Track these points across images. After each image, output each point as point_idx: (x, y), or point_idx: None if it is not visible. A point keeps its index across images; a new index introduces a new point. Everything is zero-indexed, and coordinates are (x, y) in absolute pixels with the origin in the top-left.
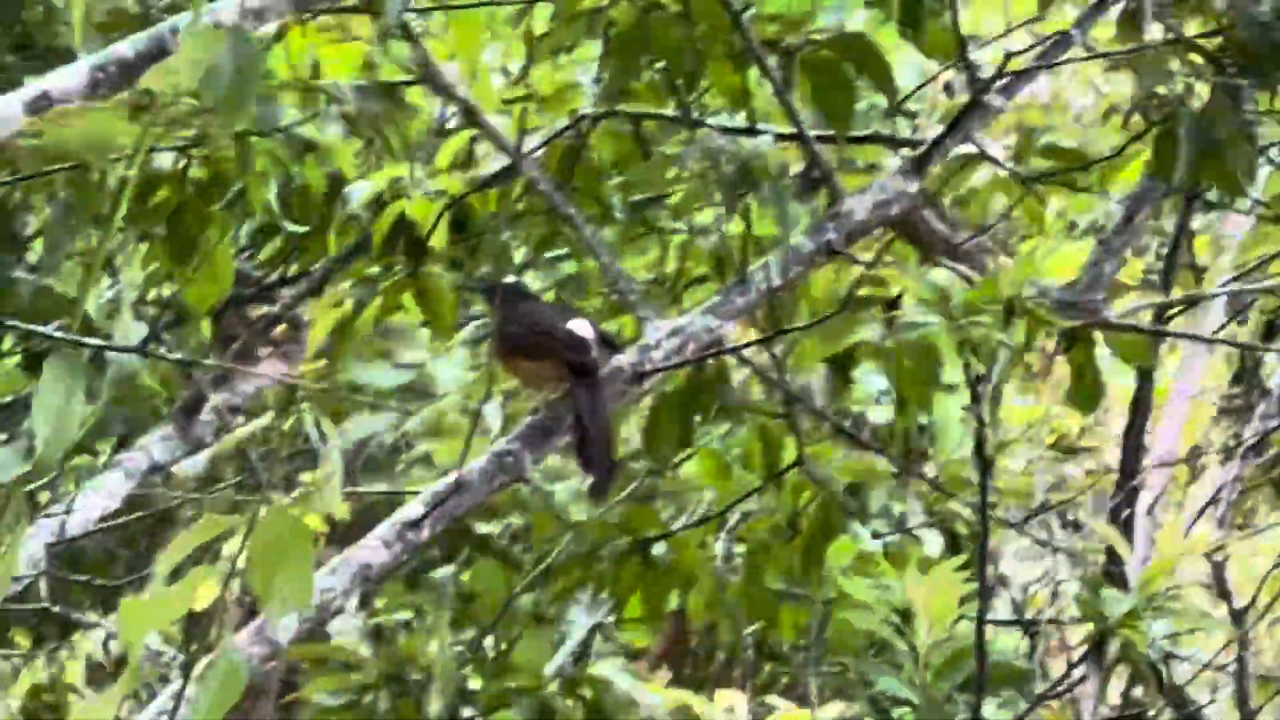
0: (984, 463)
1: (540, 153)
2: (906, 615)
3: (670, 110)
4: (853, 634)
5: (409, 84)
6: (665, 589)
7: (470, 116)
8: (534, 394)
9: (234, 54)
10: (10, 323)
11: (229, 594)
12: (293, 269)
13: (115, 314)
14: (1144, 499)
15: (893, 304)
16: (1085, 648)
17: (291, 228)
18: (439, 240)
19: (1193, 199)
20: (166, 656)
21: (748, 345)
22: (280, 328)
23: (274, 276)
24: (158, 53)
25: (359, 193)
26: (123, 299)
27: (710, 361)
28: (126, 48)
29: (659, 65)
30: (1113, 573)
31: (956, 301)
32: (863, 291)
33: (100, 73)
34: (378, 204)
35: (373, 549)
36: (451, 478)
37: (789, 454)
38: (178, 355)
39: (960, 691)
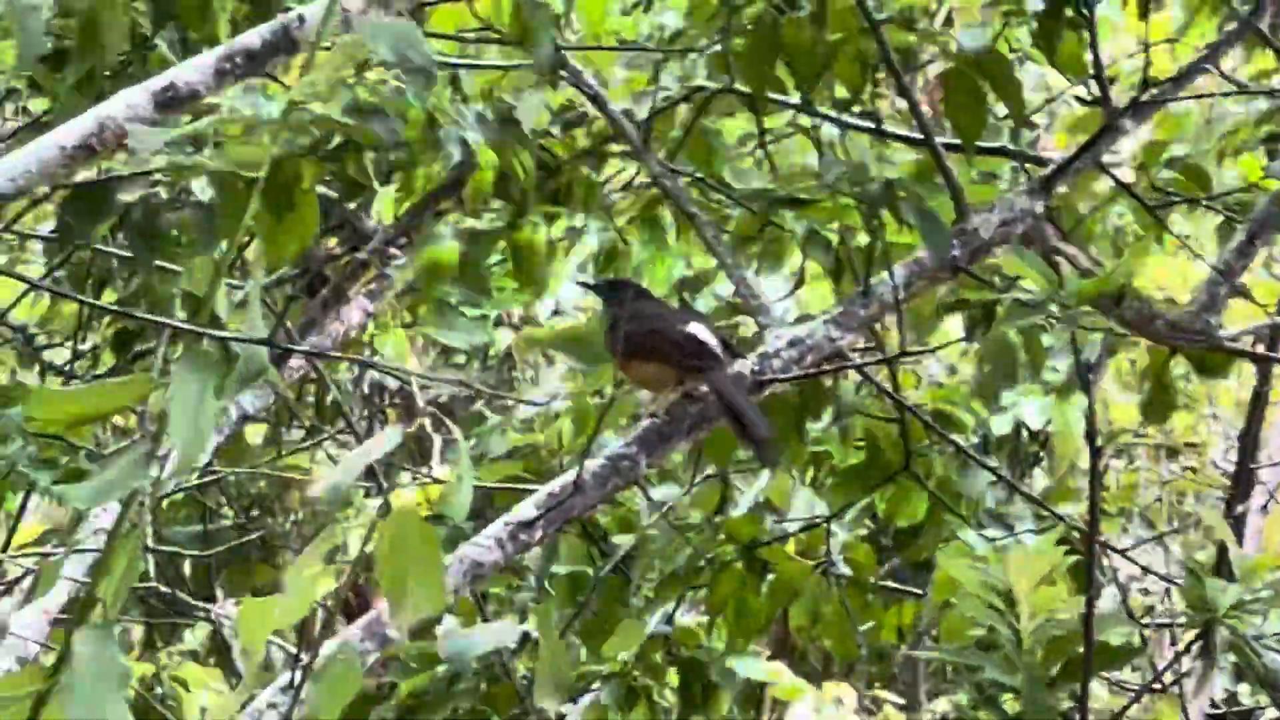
0: (1094, 450)
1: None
2: (1010, 601)
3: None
4: (961, 625)
5: (527, 67)
6: (774, 602)
7: (596, 103)
8: (651, 397)
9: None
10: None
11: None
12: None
13: (243, 308)
14: (1257, 496)
15: (989, 313)
16: (1190, 639)
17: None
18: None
19: None
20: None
21: (870, 363)
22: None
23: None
24: (284, 43)
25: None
26: (251, 293)
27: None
28: (253, 38)
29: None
30: (1222, 567)
31: (1070, 290)
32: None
33: (227, 63)
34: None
35: (485, 548)
36: (568, 478)
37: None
38: (304, 348)
39: (1063, 677)
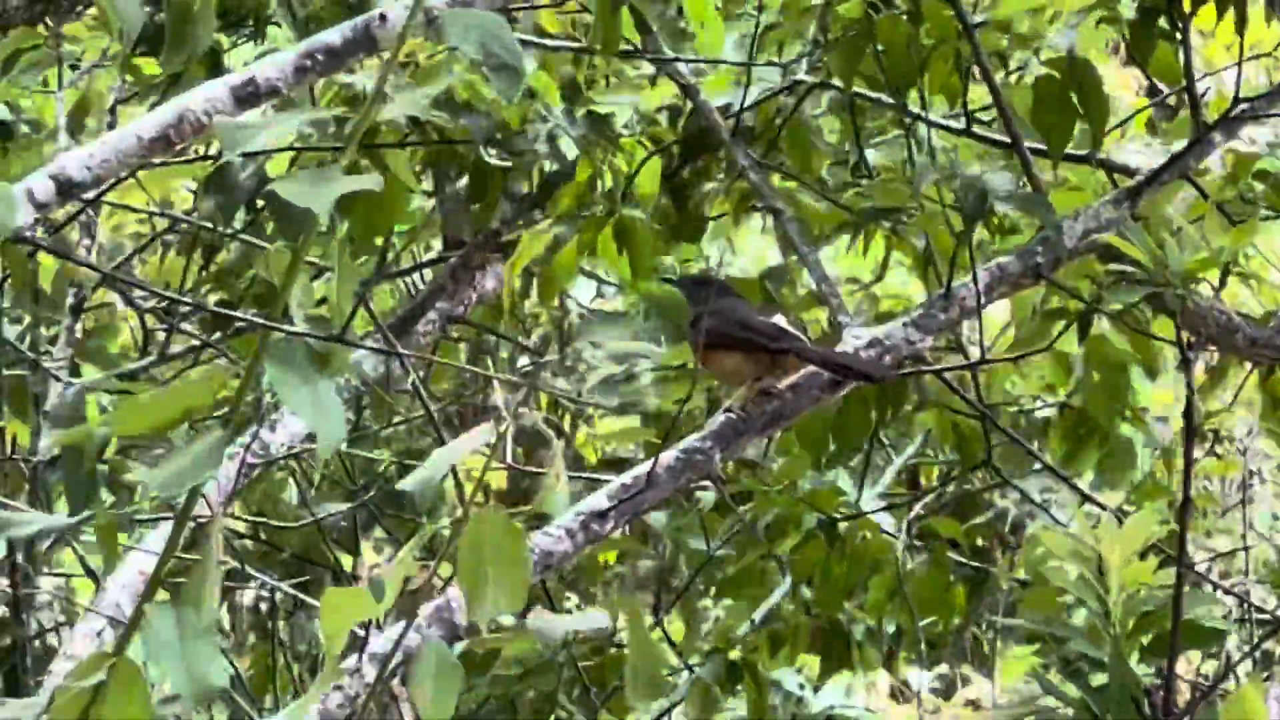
0: (1190, 429)
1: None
2: (1101, 573)
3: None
4: (1047, 598)
5: (630, 55)
6: (852, 572)
7: (687, 93)
8: (731, 391)
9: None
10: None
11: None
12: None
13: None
14: None
15: (1086, 320)
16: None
17: (496, 162)
18: (647, 184)
19: None
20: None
21: (950, 369)
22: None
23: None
24: (364, 40)
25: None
26: (334, 288)
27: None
28: (334, 35)
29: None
30: None
31: (1175, 269)
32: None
33: (307, 60)
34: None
35: (555, 538)
36: (641, 470)
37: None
38: (380, 346)
39: (1151, 652)
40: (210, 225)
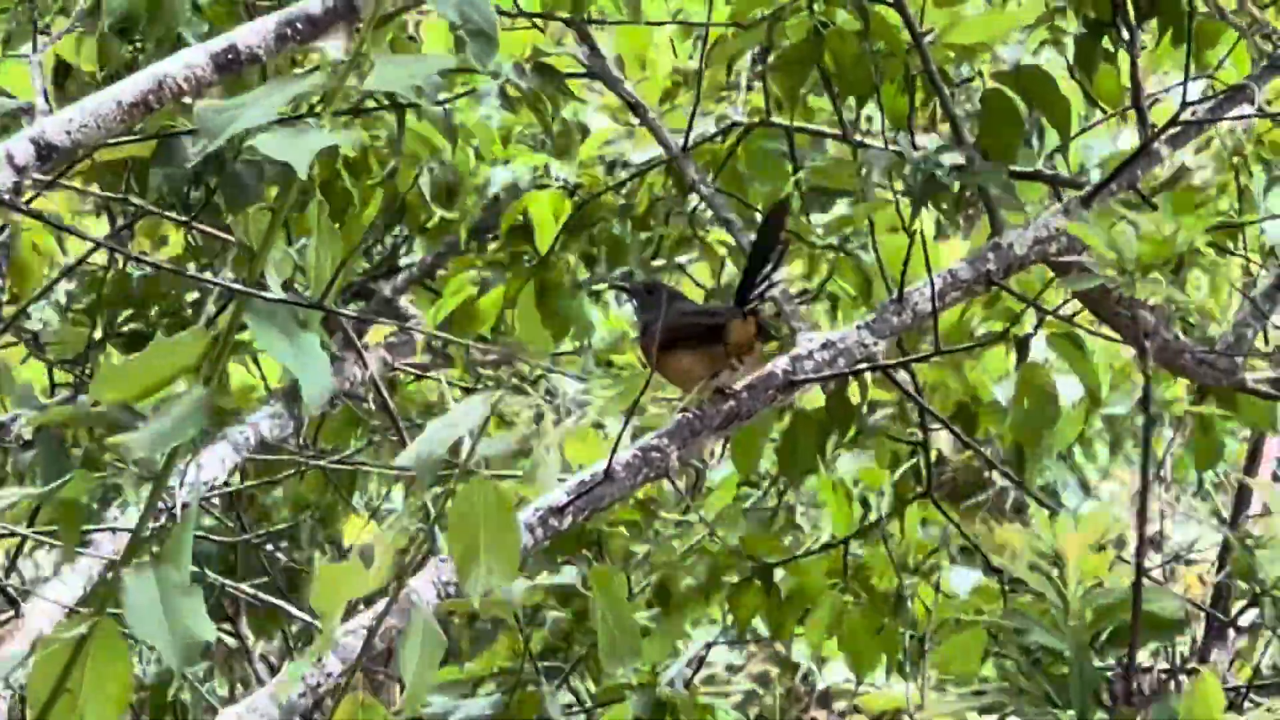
0: (1148, 417)
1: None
2: (1059, 566)
3: (824, 127)
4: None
5: (575, 76)
6: (787, 615)
7: (635, 111)
8: (684, 393)
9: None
10: (194, 275)
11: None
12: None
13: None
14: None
15: (1022, 344)
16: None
17: (441, 213)
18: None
19: None
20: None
21: (900, 363)
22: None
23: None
24: (345, 9)
25: (500, 178)
26: (312, 257)
27: (855, 381)
28: (314, 4)
29: (829, 81)
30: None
31: (1129, 256)
32: (996, 326)
33: (287, 28)
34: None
35: None
36: (599, 467)
37: None
38: (350, 311)
39: (1110, 644)
40: (155, 210)
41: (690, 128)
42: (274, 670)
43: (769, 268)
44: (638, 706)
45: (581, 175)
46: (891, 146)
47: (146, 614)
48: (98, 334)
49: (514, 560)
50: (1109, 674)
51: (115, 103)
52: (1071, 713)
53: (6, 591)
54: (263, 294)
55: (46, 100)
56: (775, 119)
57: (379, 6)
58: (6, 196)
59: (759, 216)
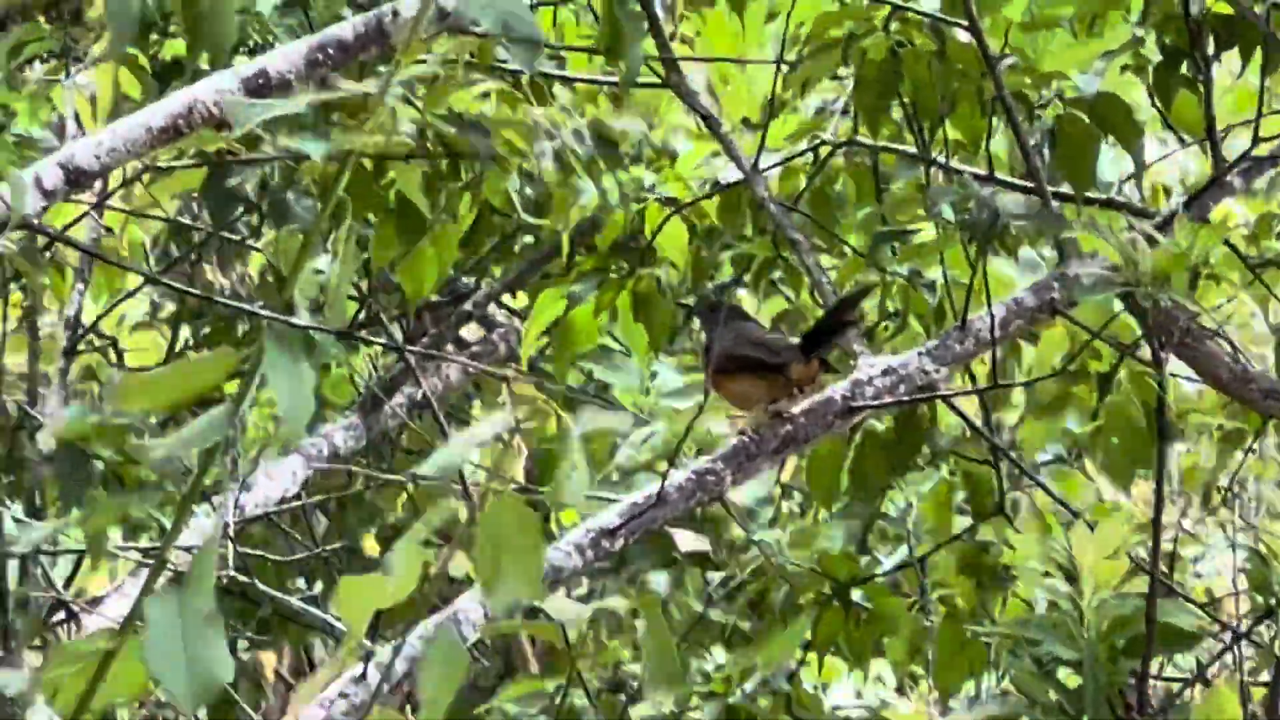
0: (1162, 431)
1: (774, 174)
2: (1074, 576)
3: (909, 148)
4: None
5: (652, 86)
6: (868, 636)
7: (709, 125)
8: (744, 415)
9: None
10: (223, 300)
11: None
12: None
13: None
14: None
15: (1106, 381)
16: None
17: (527, 219)
18: (668, 249)
19: None
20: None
21: (962, 394)
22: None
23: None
24: (376, 35)
25: (590, 190)
26: (333, 281)
27: (922, 406)
28: (346, 29)
29: (905, 103)
30: None
31: (1145, 267)
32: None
33: (320, 53)
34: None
35: (565, 553)
36: (652, 489)
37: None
38: (382, 339)
39: (1125, 655)
40: (209, 229)
41: (762, 145)
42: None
43: (837, 333)
44: (709, 715)
45: (678, 191)
46: (958, 178)
47: (165, 646)
48: (178, 345)
49: (538, 580)
50: (1123, 685)
51: (145, 128)
52: None
53: (67, 605)
54: (283, 318)
55: (78, 124)
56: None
57: (412, 32)
58: (36, 221)
59: (841, 242)
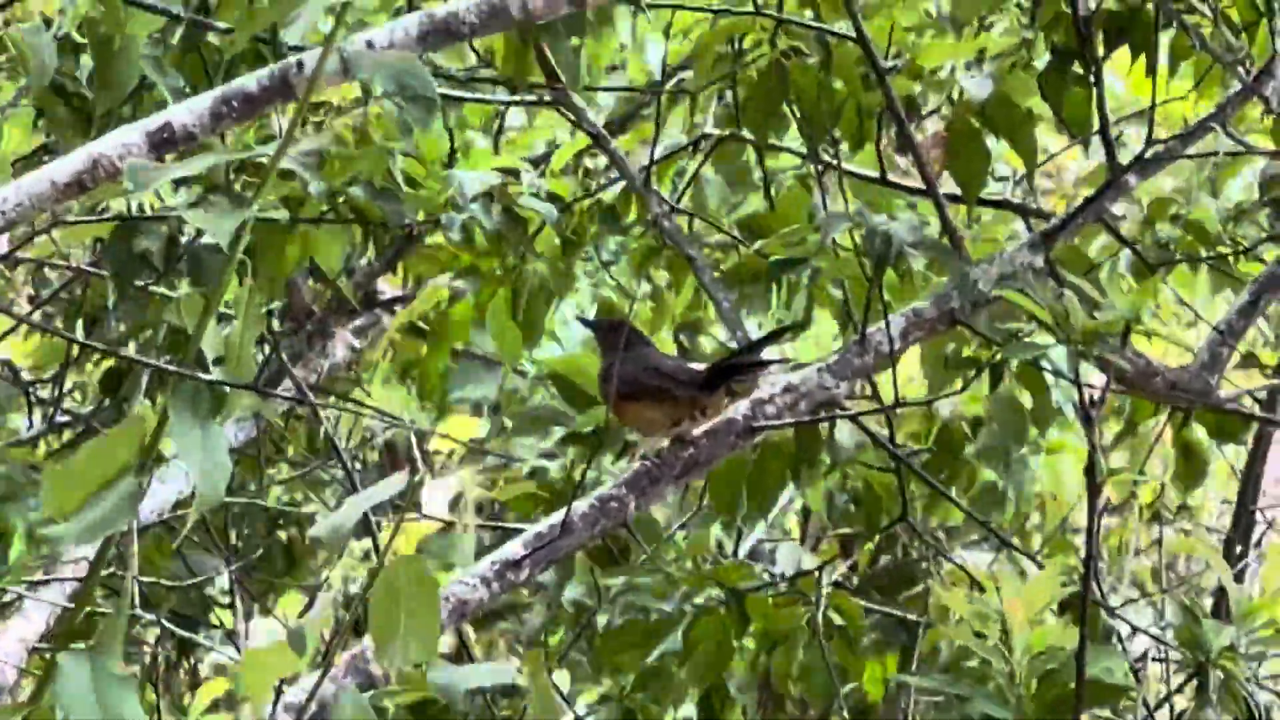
0: (1093, 487)
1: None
2: (1005, 633)
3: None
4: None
5: (539, 104)
6: (758, 647)
7: (598, 142)
8: (645, 440)
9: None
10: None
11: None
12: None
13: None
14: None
15: (996, 371)
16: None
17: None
18: (544, 243)
19: None
20: None
21: (865, 413)
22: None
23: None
24: (281, 88)
25: (472, 181)
26: (237, 333)
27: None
28: (251, 82)
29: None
30: (1221, 607)
31: (1077, 326)
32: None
33: (223, 106)
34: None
35: (470, 586)
36: (556, 519)
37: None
38: (288, 395)
39: (1055, 712)
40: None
41: (652, 160)
42: None
43: (748, 370)
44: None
45: (553, 185)
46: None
47: (79, 705)
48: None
49: (434, 641)
50: None
51: (50, 182)
52: None
53: None
54: (195, 375)
55: None
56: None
57: (313, 86)
58: None
59: (726, 234)
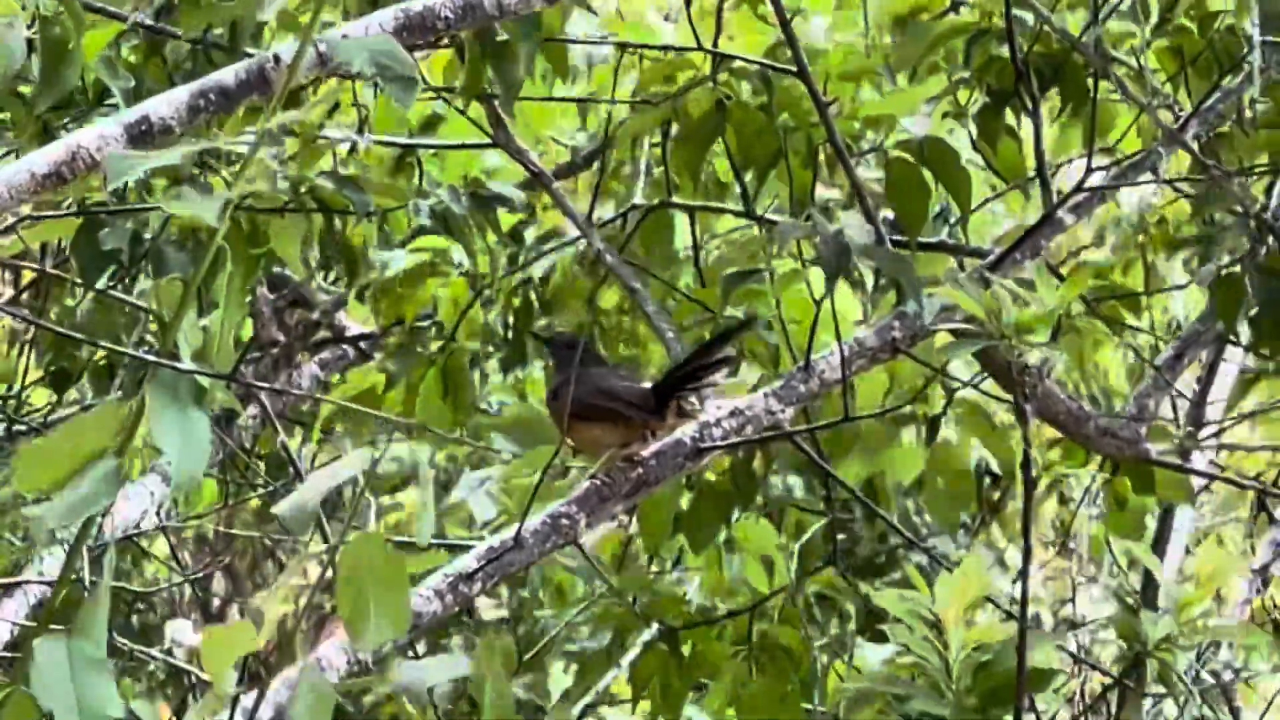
0: (1028, 483)
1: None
2: (939, 629)
3: (728, 205)
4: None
5: (479, 146)
6: (686, 682)
7: (540, 181)
8: (593, 459)
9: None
10: (107, 345)
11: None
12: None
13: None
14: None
15: (934, 423)
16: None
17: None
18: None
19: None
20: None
21: (805, 430)
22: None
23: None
24: (259, 81)
25: (399, 261)
26: (216, 325)
27: (759, 455)
28: (228, 75)
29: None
30: (1148, 592)
31: (1009, 320)
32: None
33: (201, 100)
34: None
35: (425, 598)
36: (509, 533)
37: None
38: (273, 385)
39: (994, 705)
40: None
41: (595, 198)
42: None
43: (702, 378)
44: None
45: (481, 262)
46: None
47: (55, 688)
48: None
49: (405, 618)
50: None
51: (29, 173)
52: None
53: None
54: (173, 364)
55: None
56: (677, 199)
57: (291, 78)
58: None
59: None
